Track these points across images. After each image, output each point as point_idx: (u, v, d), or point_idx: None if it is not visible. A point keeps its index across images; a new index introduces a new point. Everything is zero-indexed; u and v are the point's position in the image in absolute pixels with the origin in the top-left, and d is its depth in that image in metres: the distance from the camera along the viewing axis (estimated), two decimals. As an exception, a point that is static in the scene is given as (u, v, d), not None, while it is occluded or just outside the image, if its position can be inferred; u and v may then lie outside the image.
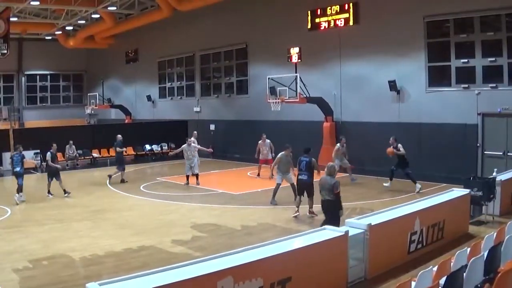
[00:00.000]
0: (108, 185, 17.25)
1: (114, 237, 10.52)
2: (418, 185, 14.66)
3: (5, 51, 19.32)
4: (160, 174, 20.21)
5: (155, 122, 29.69)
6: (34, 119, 36.20)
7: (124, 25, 30.36)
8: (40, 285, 7.74)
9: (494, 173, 12.00)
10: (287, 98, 19.89)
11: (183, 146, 17.32)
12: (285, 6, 22.97)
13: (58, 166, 15.74)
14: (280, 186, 13.51)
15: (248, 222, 11.71)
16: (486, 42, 16.34)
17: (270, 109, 20.82)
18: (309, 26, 21.58)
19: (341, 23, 20.37)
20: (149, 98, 32.59)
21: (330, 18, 20.79)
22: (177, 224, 11.74)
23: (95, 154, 24.48)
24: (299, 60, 20.30)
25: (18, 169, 14.48)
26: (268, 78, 20.63)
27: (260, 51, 24.58)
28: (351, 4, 19.98)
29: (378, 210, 9.02)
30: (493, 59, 16.14)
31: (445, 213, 9.34)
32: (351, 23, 20.05)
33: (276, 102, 20.25)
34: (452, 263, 5.95)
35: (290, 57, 20.58)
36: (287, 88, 19.84)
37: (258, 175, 18.53)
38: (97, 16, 28.80)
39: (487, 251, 6.07)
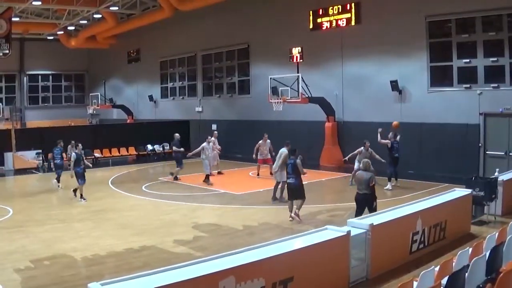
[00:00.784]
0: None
1: (115, 237, 10.52)
2: (389, 186, 14.99)
3: (7, 51, 19.32)
4: (162, 174, 20.20)
5: (157, 122, 29.69)
6: (36, 119, 36.29)
7: (126, 25, 30.40)
8: (42, 285, 7.73)
9: (496, 173, 11.98)
10: (289, 98, 19.90)
11: (203, 144, 17.43)
12: (287, 6, 22.97)
13: (90, 165, 16.26)
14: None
15: (250, 222, 11.70)
16: (488, 42, 16.34)
17: (272, 109, 20.83)
18: (311, 26, 21.60)
19: (343, 23, 20.38)
20: (151, 98, 32.61)
21: (332, 18, 20.80)
22: (178, 224, 11.74)
23: (97, 154, 24.50)
24: (301, 60, 20.32)
25: (58, 161, 16.96)
26: (270, 78, 20.66)
27: (262, 51, 24.58)
28: (353, 4, 19.99)
29: (380, 210, 9.00)
30: (495, 59, 16.13)
31: (447, 213, 9.33)
32: (353, 23, 20.06)
33: (278, 102, 20.26)
34: (454, 263, 5.94)
35: (292, 57, 20.62)
36: (289, 88, 19.86)
37: (258, 175, 18.54)
38: (99, 16, 28.86)
39: (489, 251, 6.07)
